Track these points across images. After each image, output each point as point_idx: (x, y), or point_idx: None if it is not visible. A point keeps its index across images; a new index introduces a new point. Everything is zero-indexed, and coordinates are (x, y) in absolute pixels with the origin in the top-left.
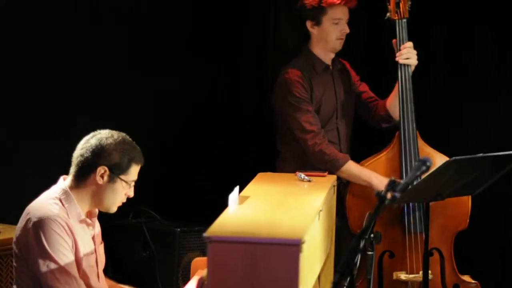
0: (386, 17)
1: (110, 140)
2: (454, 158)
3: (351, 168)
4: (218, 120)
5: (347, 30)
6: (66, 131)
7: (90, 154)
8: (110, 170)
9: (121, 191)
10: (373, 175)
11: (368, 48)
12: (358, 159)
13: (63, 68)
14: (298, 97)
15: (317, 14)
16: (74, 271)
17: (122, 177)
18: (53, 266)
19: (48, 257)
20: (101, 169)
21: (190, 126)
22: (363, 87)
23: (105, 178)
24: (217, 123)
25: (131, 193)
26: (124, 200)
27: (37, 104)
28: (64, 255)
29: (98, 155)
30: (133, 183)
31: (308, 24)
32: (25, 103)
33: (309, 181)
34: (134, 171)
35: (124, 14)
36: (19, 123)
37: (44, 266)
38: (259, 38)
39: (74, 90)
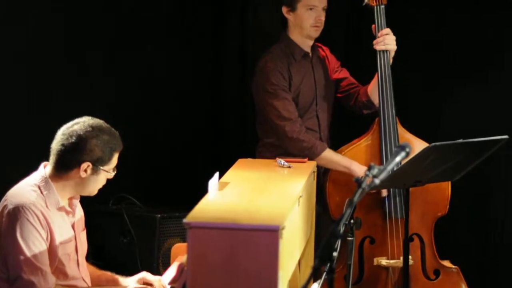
0: (364, 3)
1: (90, 134)
2: (433, 144)
3: (330, 154)
4: (199, 106)
5: (323, 18)
6: (45, 116)
7: (71, 149)
8: (93, 164)
9: (104, 179)
10: (352, 161)
11: (348, 33)
12: (337, 146)
13: (43, 50)
14: (275, 85)
15: (292, 0)
16: (41, 263)
17: (105, 168)
18: (20, 256)
19: (17, 246)
20: (85, 165)
21: (170, 113)
22: (344, 73)
23: (88, 171)
24: (197, 110)
25: (112, 176)
26: (105, 182)
27: (15, 88)
28: (34, 246)
29: (80, 151)
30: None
31: (284, 9)
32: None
33: (289, 167)
34: (115, 158)
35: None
36: None
37: (12, 255)
38: (239, 23)
39: (56, 73)
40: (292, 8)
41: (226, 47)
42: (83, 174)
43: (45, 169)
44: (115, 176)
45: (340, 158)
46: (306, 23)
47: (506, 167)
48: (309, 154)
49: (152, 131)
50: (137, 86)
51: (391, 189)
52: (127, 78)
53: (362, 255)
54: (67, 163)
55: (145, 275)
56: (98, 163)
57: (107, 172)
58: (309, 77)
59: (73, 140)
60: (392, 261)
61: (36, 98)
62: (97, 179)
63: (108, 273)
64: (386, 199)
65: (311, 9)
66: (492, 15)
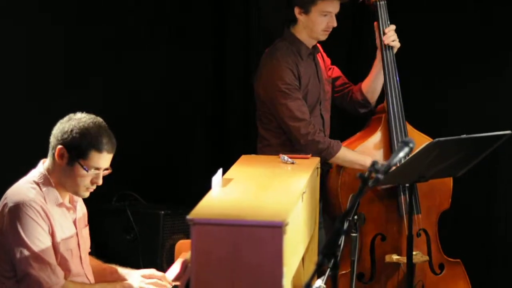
0: (360, 0)
1: (74, 122)
2: (436, 139)
3: (345, 153)
4: (202, 102)
5: (335, 24)
6: (44, 115)
7: (57, 129)
8: (68, 151)
9: (82, 176)
10: (367, 158)
11: (340, 32)
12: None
13: (42, 50)
14: (289, 84)
15: (307, 2)
16: (49, 257)
17: (81, 161)
18: (27, 252)
19: (22, 243)
20: (59, 149)
21: (174, 109)
22: (337, 72)
23: (64, 159)
24: (200, 106)
25: (99, 181)
26: (91, 186)
27: (14, 87)
28: (39, 241)
29: (62, 135)
30: (97, 171)
31: (296, 10)
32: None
33: (293, 163)
34: (95, 158)
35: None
36: None
37: (18, 252)
38: (243, 21)
39: (56, 72)
40: (306, 11)
41: (229, 44)
42: (59, 160)
43: (43, 165)
44: (119, 172)
45: (356, 156)
46: (318, 27)
47: (509, 163)
48: (326, 154)
49: (156, 127)
50: (140, 82)
51: (401, 186)
52: (130, 74)
53: (374, 253)
54: (52, 145)
55: (153, 272)
56: (73, 151)
57: (83, 168)
58: (314, 76)
59: (60, 128)
60: (404, 257)
61: (36, 97)
62: (72, 172)
63: (113, 266)
64: (398, 195)
65: (325, 15)
66: (498, 8)
